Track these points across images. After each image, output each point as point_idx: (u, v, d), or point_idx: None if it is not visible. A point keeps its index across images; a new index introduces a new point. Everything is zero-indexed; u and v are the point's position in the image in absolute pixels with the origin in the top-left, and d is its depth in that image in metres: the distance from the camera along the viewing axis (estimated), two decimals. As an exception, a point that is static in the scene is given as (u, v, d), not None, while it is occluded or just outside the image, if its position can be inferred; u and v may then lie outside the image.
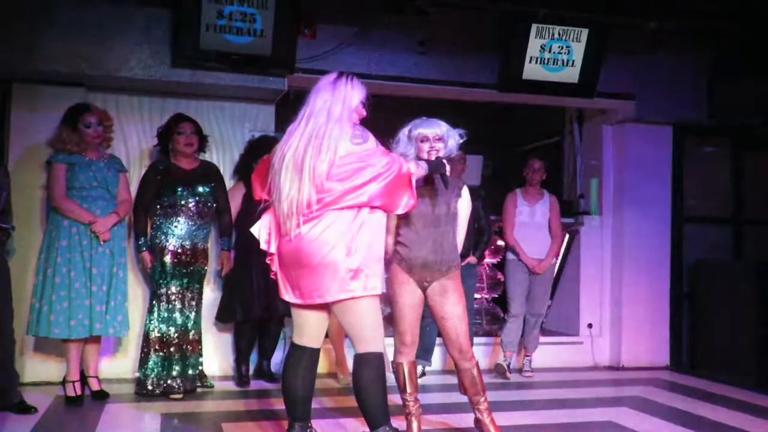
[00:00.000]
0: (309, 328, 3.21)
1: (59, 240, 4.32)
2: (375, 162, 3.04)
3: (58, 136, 4.48)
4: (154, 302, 4.59)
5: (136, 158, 5.20)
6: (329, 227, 3.00)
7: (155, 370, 4.53)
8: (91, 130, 4.44)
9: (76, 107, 4.54)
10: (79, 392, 4.39)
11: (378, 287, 3.08)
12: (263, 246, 3.19)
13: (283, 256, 3.12)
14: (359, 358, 3.10)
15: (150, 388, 4.52)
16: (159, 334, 4.54)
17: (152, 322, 4.55)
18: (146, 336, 4.58)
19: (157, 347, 4.53)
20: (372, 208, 3.06)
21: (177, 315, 4.58)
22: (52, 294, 4.28)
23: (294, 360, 3.22)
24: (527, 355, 5.76)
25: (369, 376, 3.08)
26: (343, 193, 3.00)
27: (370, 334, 3.09)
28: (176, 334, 4.58)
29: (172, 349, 4.56)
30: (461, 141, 3.67)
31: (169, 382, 4.53)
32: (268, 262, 3.21)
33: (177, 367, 4.57)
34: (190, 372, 4.68)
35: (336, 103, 3.07)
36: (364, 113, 3.20)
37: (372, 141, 3.10)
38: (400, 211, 3.18)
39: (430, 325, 4.85)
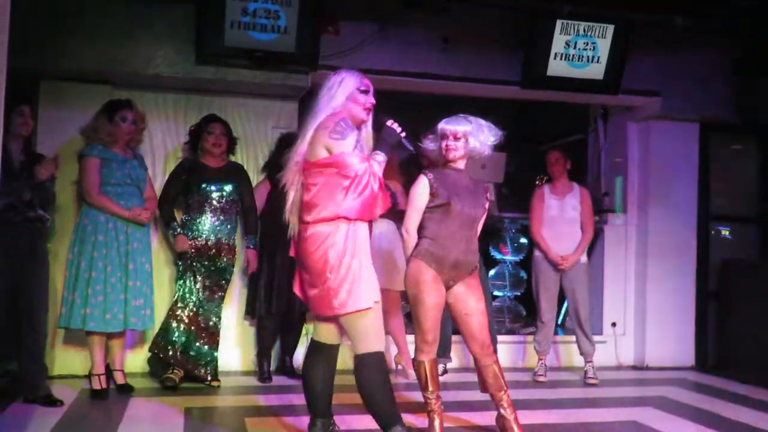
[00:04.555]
0: (326, 326, 3.22)
1: (96, 234, 4.39)
2: (347, 171, 2.96)
3: (92, 125, 4.58)
4: (178, 277, 4.82)
5: (160, 155, 5.26)
6: (316, 234, 3.00)
7: (172, 341, 4.69)
8: (125, 125, 4.52)
9: (118, 101, 4.64)
10: (104, 385, 4.44)
11: (366, 302, 3.00)
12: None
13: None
14: (358, 360, 3.08)
15: (170, 354, 4.67)
16: (174, 304, 4.76)
17: (176, 294, 4.78)
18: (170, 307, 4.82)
19: (175, 315, 4.73)
20: (348, 220, 2.99)
21: (193, 296, 4.74)
22: (87, 288, 4.35)
23: (313, 356, 3.25)
24: (588, 361, 5.44)
25: (369, 376, 3.05)
26: (315, 204, 2.98)
27: (364, 336, 3.05)
28: (188, 309, 4.72)
29: (183, 321, 4.71)
30: (493, 142, 3.61)
31: (171, 353, 4.69)
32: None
33: (182, 344, 4.70)
34: (194, 355, 4.74)
35: (323, 97, 3.10)
36: (368, 101, 3.13)
37: (350, 141, 2.99)
38: (373, 219, 3.09)
39: (444, 322, 4.83)
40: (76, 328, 4.42)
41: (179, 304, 4.74)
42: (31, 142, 4.41)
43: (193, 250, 4.74)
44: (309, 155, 3.03)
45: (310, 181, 3.02)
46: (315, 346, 3.25)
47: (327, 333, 3.22)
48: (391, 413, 3.07)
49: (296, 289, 3.24)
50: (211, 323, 4.80)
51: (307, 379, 3.22)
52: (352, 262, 2.98)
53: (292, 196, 3.11)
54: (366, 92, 3.14)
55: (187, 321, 4.73)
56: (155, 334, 4.79)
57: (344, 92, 3.09)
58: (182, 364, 4.71)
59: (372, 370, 3.05)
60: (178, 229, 4.75)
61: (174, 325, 4.71)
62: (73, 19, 4.75)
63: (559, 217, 5.47)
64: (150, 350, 4.82)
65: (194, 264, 4.75)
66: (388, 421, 3.06)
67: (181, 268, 4.80)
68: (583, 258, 5.50)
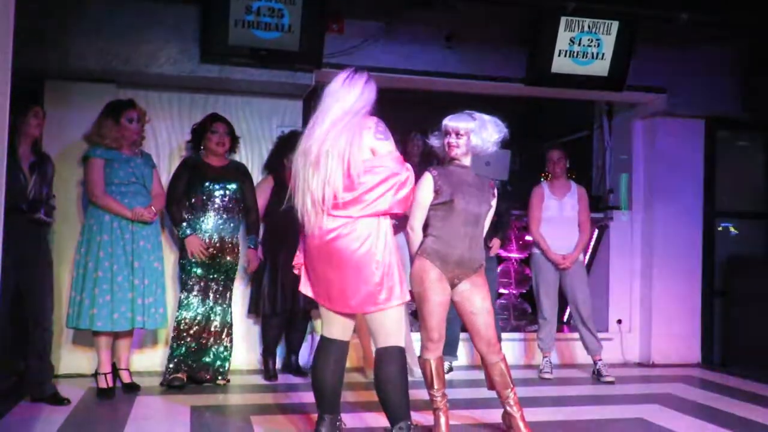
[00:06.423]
0: (337, 323, 3.24)
1: (101, 234, 4.40)
2: (395, 169, 3.08)
3: (97, 129, 4.55)
4: (181, 291, 4.77)
5: (165, 153, 5.26)
6: (357, 232, 3.03)
7: (178, 356, 4.67)
8: (133, 125, 4.54)
9: (120, 102, 4.64)
10: (110, 384, 4.45)
11: (404, 295, 3.14)
12: (296, 271, 3.31)
13: (312, 255, 3.14)
14: (382, 352, 3.14)
15: (171, 370, 4.65)
16: (177, 322, 4.69)
17: (179, 310, 4.72)
18: (174, 324, 4.75)
19: (179, 334, 4.68)
20: (388, 215, 3.12)
21: (198, 305, 4.71)
22: (94, 287, 4.35)
23: (323, 353, 3.25)
24: (597, 359, 5.38)
25: (392, 369, 3.12)
26: (366, 200, 3.02)
27: (392, 329, 3.14)
28: (195, 323, 4.69)
29: (188, 338, 4.68)
30: (497, 140, 3.60)
31: (183, 367, 4.67)
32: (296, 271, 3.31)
33: (192, 357, 4.68)
34: (208, 360, 4.74)
35: (355, 98, 3.10)
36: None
37: (392, 141, 3.13)
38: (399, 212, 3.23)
39: (452, 320, 4.84)
40: (84, 328, 4.43)
41: (185, 321, 4.68)
42: (39, 142, 4.42)
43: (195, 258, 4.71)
44: (358, 151, 3.04)
45: (357, 179, 3.02)
46: (325, 343, 3.26)
47: (340, 329, 3.24)
48: (403, 408, 3.12)
49: (309, 292, 3.25)
50: (225, 325, 4.80)
51: (318, 376, 3.22)
52: (392, 257, 3.10)
53: (322, 191, 3.03)
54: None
55: (197, 335, 4.69)
56: (168, 362, 4.70)
57: (370, 97, 3.15)
58: (191, 370, 4.71)
59: (394, 362, 3.12)
60: (188, 231, 4.68)
61: (178, 345, 4.67)
62: (78, 18, 4.76)
63: (558, 217, 5.48)
64: (164, 376, 4.72)
65: (198, 272, 4.71)
66: (398, 416, 3.10)
67: (185, 282, 4.73)
68: (580, 256, 5.53)
